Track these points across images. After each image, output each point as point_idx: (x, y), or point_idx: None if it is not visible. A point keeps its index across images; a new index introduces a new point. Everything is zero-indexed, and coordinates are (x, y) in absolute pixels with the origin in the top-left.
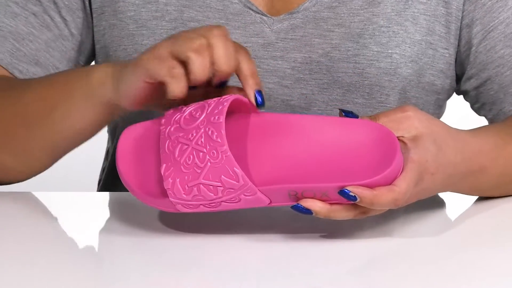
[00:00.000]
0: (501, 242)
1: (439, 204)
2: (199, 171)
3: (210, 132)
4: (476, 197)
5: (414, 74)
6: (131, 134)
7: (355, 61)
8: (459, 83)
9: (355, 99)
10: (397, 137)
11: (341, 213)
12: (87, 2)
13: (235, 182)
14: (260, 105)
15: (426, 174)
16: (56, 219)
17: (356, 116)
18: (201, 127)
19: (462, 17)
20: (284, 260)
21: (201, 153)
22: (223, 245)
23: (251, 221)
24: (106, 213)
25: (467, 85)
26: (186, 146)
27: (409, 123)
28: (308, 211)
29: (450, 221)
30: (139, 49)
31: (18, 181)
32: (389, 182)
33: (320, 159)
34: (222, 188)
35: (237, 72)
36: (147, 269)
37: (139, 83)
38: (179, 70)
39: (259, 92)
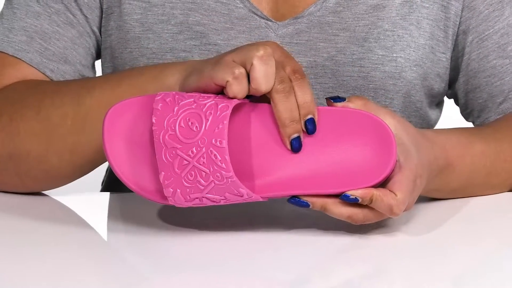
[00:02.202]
0: (498, 240)
1: (436, 202)
2: (202, 187)
3: (213, 155)
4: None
5: (418, 78)
6: (118, 117)
7: (360, 64)
8: (451, 87)
9: None
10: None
11: (337, 208)
12: (101, 1)
13: (239, 197)
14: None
15: (418, 178)
16: (58, 219)
17: (343, 99)
18: (201, 145)
19: (459, 23)
20: (286, 257)
21: (204, 173)
22: (225, 244)
23: (253, 219)
24: (108, 214)
25: (458, 91)
26: (187, 162)
27: (388, 120)
28: (305, 203)
29: (447, 219)
30: (145, 53)
31: (60, 184)
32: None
33: (321, 165)
34: (225, 199)
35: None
36: (149, 269)
37: (200, 86)
38: (240, 70)
39: (296, 139)
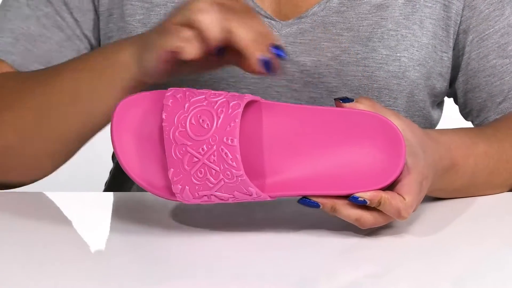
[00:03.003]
0: (499, 241)
1: (438, 201)
2: (211, 185)
3: (224, 153)
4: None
5: (421, 77)
6: (127, 112)
7: (364, 64)
8: (450, 86)
9: None
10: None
11: (346, 210)
12: (96, 4)
13: (248, 196)
14: (269, 72)
15: (424, 180)
16: (59, 219)
17: (351, 100)
18: (212, 143)
19: (460, 22)
20: (292, 258)
21: (214, 171)
22: (230, 244)
23: (259, 220)
24: (109, 214)
25: (457, 90)
26: (197, 160)
27: (395, 121)
28: (315, 204)
29: (448, 219)
30: None
31: (39, 176)
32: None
33: (330, 166)
34: (233, 198)
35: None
36: (150, 270)
37: (158, 61)
38: (187, 33)
39: (264, 60)
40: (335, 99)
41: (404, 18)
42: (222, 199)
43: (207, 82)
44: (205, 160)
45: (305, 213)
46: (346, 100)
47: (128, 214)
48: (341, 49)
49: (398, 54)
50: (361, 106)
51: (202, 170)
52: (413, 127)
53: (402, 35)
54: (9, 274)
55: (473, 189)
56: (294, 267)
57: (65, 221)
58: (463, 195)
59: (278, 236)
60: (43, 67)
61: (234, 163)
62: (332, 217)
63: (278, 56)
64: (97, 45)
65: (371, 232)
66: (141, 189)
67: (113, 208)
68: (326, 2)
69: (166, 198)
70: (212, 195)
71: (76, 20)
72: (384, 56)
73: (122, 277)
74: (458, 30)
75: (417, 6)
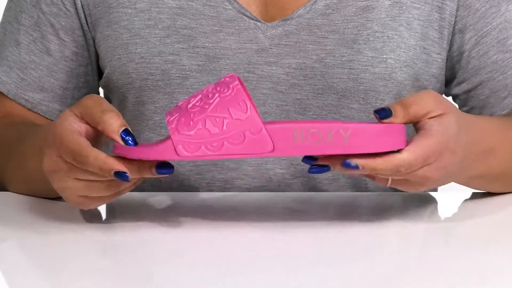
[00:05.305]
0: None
1: (431, 201)
2: (207, 106)
3: (222, 79)
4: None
5: (409, 78)
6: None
7: (350, 66)
8: (448, 86)
9: (350, 105)
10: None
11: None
12: (83, 20)
13: (242, 113)
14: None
15: (447, 151)
16: (57, 217)
17: (388, 111)
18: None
19: (454, 22)
20: (291, 259)
21: (211, 94)
22: (224, 246)
23: (252, 220)
24: (109, 212)
25: (457, 89)
26: (195, 98)
27: (437, 99)
28: (324, 169)
29: (443, 218)
30: (133, 58)
31: None
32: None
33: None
34: (228, 120)
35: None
36: (150, 267)
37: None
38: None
39: (124, 132)
40: (374, 111)
41: (390, 20)
42: (215, 126)
43: (193, 85)
44: (204, 92)
45: (302, 213)
46: (383, 112)
47: (123, 213)
48: (326, 51)
49: (384, 56)
50: (397, 120)
51: (200, 101)
52: (454, 106)
53: (388, 36)
54: (6, 272)
55: (507, 179)
56: (293, 268)
57: (62, 220)
58: (502, 184)
59: (276, 237)
60: (35, 95)
61: (228, 78)
62: (329, 218)
63: (128, 141)
64: (94, 58)
65: (370, 233)
66: (140, 189)
67: (110, 207)
68: (312, 5)
69: (167, 159)
70: (206, 117)
71: (63, 41)
72: (369, 58)
73: (119, 276)
74: (453, 30)
75: (404, 7)
